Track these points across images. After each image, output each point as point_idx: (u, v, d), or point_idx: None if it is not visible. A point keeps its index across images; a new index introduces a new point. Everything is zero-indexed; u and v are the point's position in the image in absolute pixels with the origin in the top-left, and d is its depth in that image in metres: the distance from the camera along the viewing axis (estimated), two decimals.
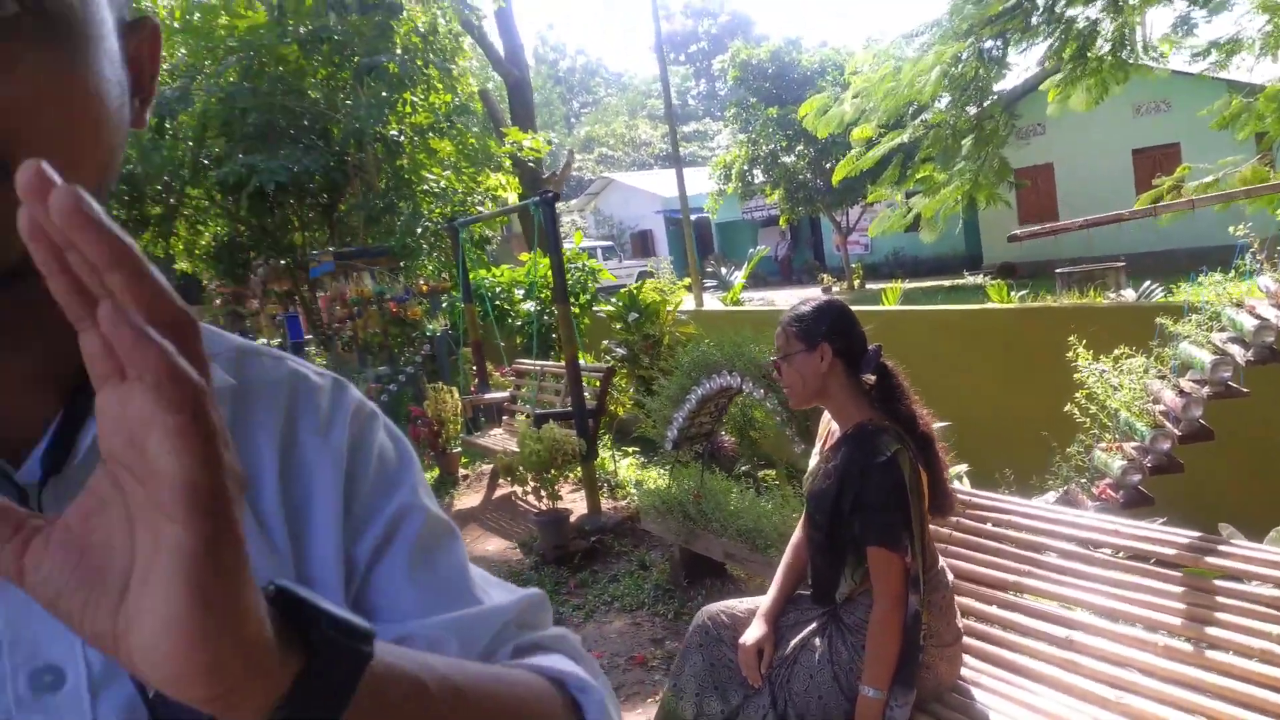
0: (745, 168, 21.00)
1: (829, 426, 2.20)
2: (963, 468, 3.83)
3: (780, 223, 22.29)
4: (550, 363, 6.48)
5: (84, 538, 0.35)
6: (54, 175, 0.29)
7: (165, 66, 11.11)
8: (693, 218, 14.61)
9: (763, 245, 20.98)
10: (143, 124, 0.51)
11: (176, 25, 10.07)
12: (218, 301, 15.91)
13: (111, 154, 0.46)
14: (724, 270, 16.73)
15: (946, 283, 18.86)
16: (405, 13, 10.42)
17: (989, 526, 2.59)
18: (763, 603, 2.23)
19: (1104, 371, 2.72)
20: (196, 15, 9.90)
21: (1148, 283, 8.53)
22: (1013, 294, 9.41)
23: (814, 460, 2.23)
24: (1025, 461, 3.60)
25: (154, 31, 0.52)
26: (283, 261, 14.13)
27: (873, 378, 2.08)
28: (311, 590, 0.43)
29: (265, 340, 14.73)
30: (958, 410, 4.68)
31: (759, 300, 17.22)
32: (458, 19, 11.46)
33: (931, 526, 2.18)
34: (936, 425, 4.09)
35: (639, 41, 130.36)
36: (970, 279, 18.28)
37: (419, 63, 10.32)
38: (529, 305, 8.29)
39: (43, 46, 0.41)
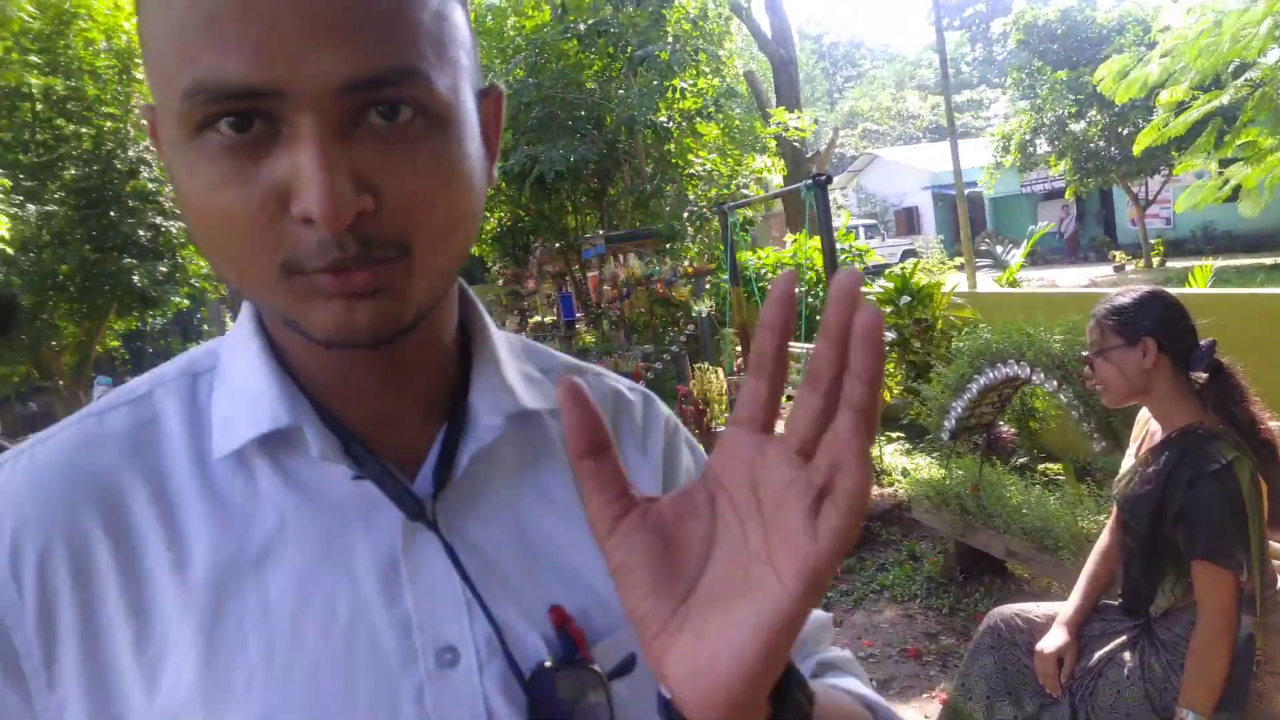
0: (1027, 137, 19.56)
1: (1147, 427, 2.03)
2: None
3: (1066, 195, 20.57)
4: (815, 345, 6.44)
5: (671, 532, 0.40)
6: (859, 290, 0.35)
7: None
8: (965, 193, 13.84)
9: (1044, 221, 19.46)
10: (493, 180, 0.57)
11: (473, 26, 10.97)
12: (500, 282, 17.21)
13: (478, 216, 0.53)
14: (999, 249, 15.75)
15: (1269, 260, 16.58)
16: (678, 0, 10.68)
17: None
18: (1063, 609, 2.11)
19: None
20: (489, 17, 10.69)
21: None
22: None
23: (1128, 462, 2.07)
24: None
25: (499, 96, 0.57)
26: (557, 244, 15.04)
27: (1204, 376, 1.89)
28: None
29: (540, 316, 15.78)
30: None
31: (1039, 281, 16.05)
32: (728, 2, 11.56)
33: (1274, 543, 1.96)
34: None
35: (910, 8, 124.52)
36: None
37: (689, 49, 10.55)
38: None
39: (431, 142, 0.47)
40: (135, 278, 12.32)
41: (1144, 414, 2.05)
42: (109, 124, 12.34)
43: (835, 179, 36.64)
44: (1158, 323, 1.89)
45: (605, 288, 13.13)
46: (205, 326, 22.48)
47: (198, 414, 0.56)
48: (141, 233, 12.85)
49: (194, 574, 0.52)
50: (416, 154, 0.47)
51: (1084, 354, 2.03)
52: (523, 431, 0.62)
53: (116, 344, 15.76)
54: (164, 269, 13.19)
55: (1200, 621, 1.76)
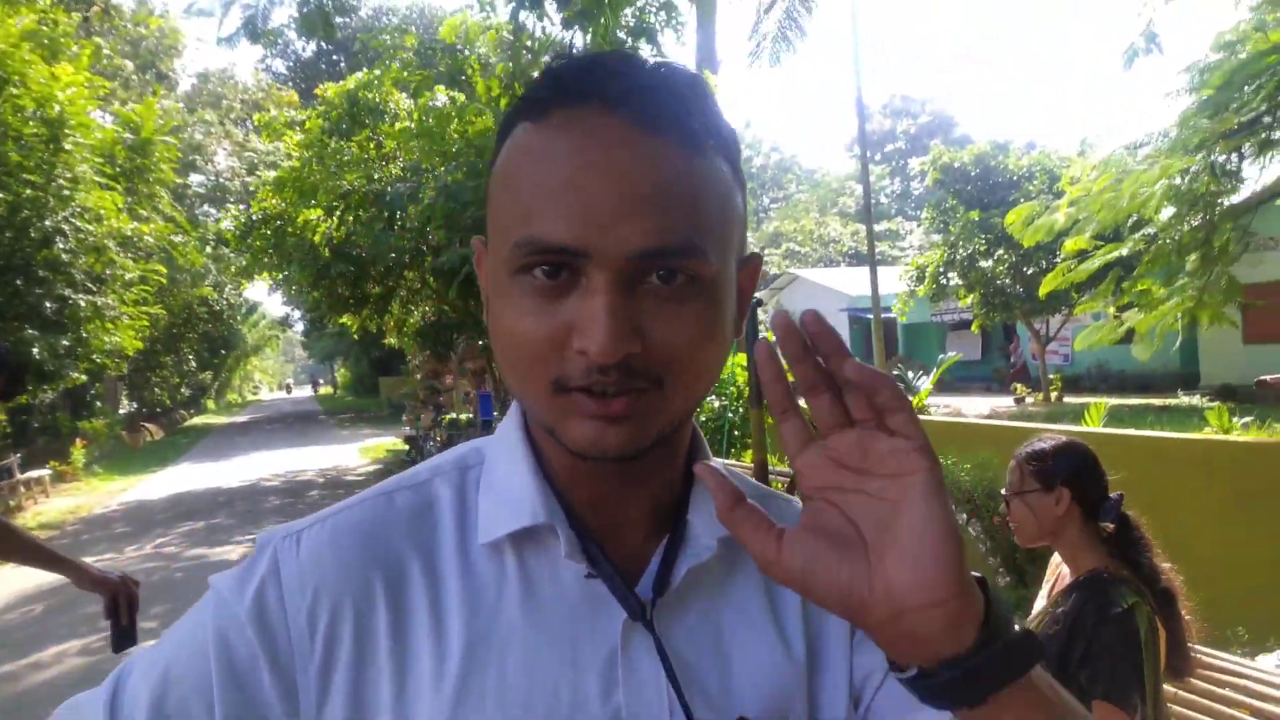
0: (940, 270, 20.56)
1: (1059, 570, 2.12)
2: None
3: (973, 328, 21.55)
4: (735, 463, 6.52)
5: (820, 528, 0.51)
6: (789, 320, 0.50)
7: (400, 164, 12.28)
8: (880, 318, 14.38)
9: (952, 350, 20.27)
10: (741, 329, 0.66)
11: (414, 128, 11.12)
12: (419, 376, 17.07)
13: (723, 363, 0.62)
14: (910, 374, 16.31)
15: (1157, 401, 17.53)
16: None
17: (1219, 690, 2.40)
18: None
19: None
20: (431, 119, 10.90)
21: None
22: (1236, 420, 8.65)
23: (1040, 603, 2.16)
24: (1257, 617, 3.29)
25: (757, 264, 0.67)
26: (480, 342, 15.02)
27: (1111, 526, 2.00)
28: (820, 705, 0.68)
29: (455, 414, 15.63)
30: (1175, 552, 4.34)
31: (945, 408, 16.61)
32: None
33: (1165, 686, 2.04)
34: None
35: (835, 140, 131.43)
36: (1185, 399, 16.93)
37: None
38: (714, 401, 8.40)
39: (697, 304, 0.57)
40: (35, 350, 11.82)
41: (1056, 557, 2.15)
42: (28, 191, 12.03)
43: (759, 294, 37.75)
44: (1073, 473, 2.00)
45: None
46: (99, 403, 21.54)
47: (464, 503, 0.66)
48: (48, 304, 12.41)
49: (450, 645, 0.61)
50: (683, 312, 0.57)
51: (1003, 492, 2.12)
52: (728, 552, 0.69)
53: (1, 417, 14.96)
54: (66, 343, 12.71)
55: None
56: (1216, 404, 12.83)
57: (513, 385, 0.60)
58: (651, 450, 0.60)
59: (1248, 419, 9.27)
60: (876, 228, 48.50)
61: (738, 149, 0.62)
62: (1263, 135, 6.93)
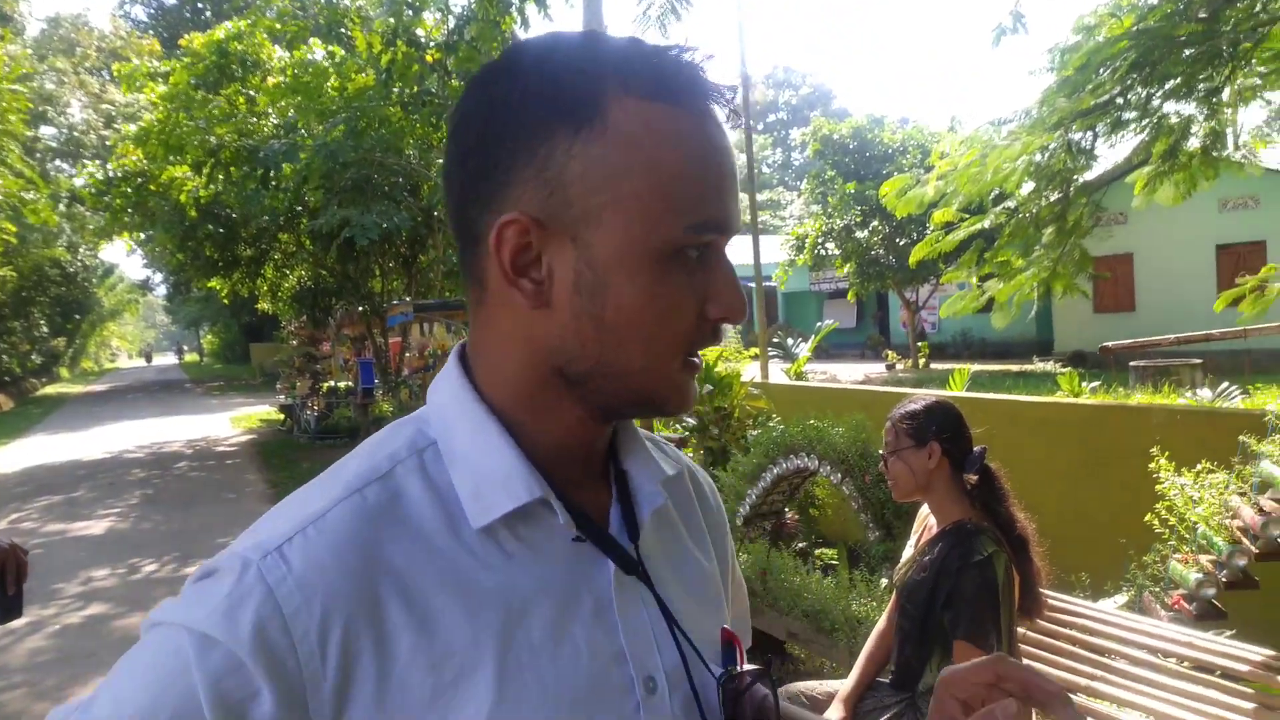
0: (819, 240, 21.16)
1: (926, 521, 2.28)
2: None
3: (849, 296, 22.31)
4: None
5: None
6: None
7: (274, 121, 11.75)
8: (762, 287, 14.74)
9: (829, 319, 20.98)
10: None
11: (289, 84, 10.66)
12: (294, 342, 16.49)
13: None
14: (790, 341, 16.82)
15: (1015, 368, 18.63)
16: None
17: (1063, 630, 2.64)
18: (842, 687, 2.31)
19: (1185, 485, 2.76)
20: (308, 75, 10.47)
21: (1225, 384, 8.38)
22: (1084, 385, 9.30)
23: (908, 551, 2.32)
24: (1098, 564, 3.60)
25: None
26: (360, 308, 14.62)
27: (974, 478, 2.17)
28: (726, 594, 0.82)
29: (334, 382, 15.21)
30: (1029, 506, 4.68)
31: (822, 374, 17.19)
32: None
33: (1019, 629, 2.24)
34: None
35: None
36: (1040, 365, 18.03)
37: None
38: None
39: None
40: None
41: (924, 509, 2.31)
42: None
43: None
44: (942, 429, 2.16)
45: (409, 355, 12.86)
46: None
47: (435, 487, 0.64)
48: None
49: (483, 622, 0.61)
50: (720, 271, 0.65)
51: (880, 452, 2.27)
52: (668, 491, 0.76)
53: None
54: None
55: None
56: (1068, 369, 13.74)
57: (626, 361, 0.63)
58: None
59: (1095, 383, 9.97)
60: (759, 197, 49.37)
61: None
62: (1114, 115, 7.39)
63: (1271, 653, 2.15)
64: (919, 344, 21.12)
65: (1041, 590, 2.20)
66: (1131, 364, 13.03)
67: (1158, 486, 2.86)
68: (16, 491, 10.80)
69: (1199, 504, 2.67)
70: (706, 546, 0.80)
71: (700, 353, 0.64)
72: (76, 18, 30.09)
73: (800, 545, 5.22)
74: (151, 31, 28.31)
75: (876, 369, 20.66)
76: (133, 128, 13.28)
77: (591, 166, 0.60)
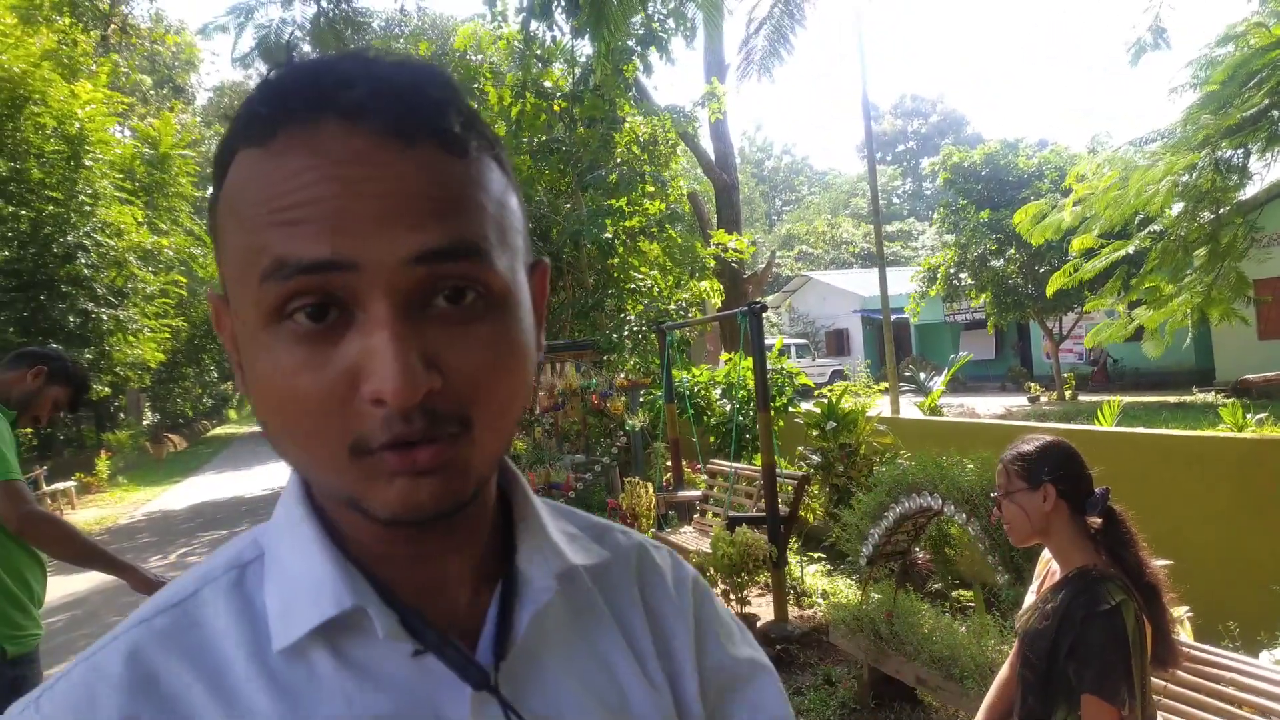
0: (951, 270, 20.56)
1: (1049, 565, 2.19)
2: (1184, 610, 3.60)
3: (987, 327, 21.51)
4: (745, 465, 6.61)
5: None
6: None
7: None
8: (891, 319, 14.43)
9: (965, 351, 20.25)
10: (541, 345, 0.59)
11: None
12: None
13: (530, 386, 0.55)
14: (922, 375, 16.34)
15: (1172, 399, 17.47)
16: (626, 125, 11.19)
17: (1210, 684, 2.47)
18: None
19: None
20: None
21: None
22: (1249, 417, 8.66)
23: (1030, 597, 2.23)
24: (1252, 611, 3.35)
25: (545, 269, 0.61)
26: None
27: (1098, 520, 2.08)
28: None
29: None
30: (1179, 548, 4.39)
31: (958, 408, 16.59)
32: (675, 130, 12.15)
33: (1151, 679, 2.11)
34: (1159, 563, 3.89)
35: (846, 141, 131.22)
36: (1200, 396, 16.86)
37: (637, 170, 11.02)
38: (725, 404, 8.48)
39: (491, 321, 0.51)
40: None
41: (1046, 553, 2.22)
42: (50, 207, 12.27)
43: (771, 298, 37.79)
44: (1057, 469, 2.08)
45: (540, 395, 13.20)
46: (123, 415, 21.85)
47: (248, 606, 0.55)
48: (71, 318, 12.65)
49: None
50: (479, 333, 0.50)
51: (992, 495, 2.19)
52: (571, 591, 0.64)
53: (29, 430, 15.24)
54: (89, 356, 12.94)
55: None
56: (1231, 400, 12.78)
57: (290, 457, 0.51)
58: (472, 501, 0.53)
59: (1261, 415, 9.27)
60: (889, 229, 48.46)
61: (503, 148, 0.56)
62: (1267, 130, 6.95)
63: None
64: (1064, 375, 20.11)
65: (1177, 639, 2.07)
66: None
67: None
68: (184, 527, 11.66)
69: None
70: (644, 651, 0.66)
71: (406, 440, 0.48)
72: (237, 85, 32.72)
73: (936, 586, 5.06)
74: None
75: (1018, 402, 19.79)
76: None
77: (217, 232, 0.52)
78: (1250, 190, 8.67)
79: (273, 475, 17.03)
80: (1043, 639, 2.02)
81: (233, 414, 48.33)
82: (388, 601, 0.54)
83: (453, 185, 0.49)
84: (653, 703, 0.63)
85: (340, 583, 0.53)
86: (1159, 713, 2.19)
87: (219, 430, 38.40)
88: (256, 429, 38.12)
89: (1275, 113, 6.75)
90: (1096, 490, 2.11)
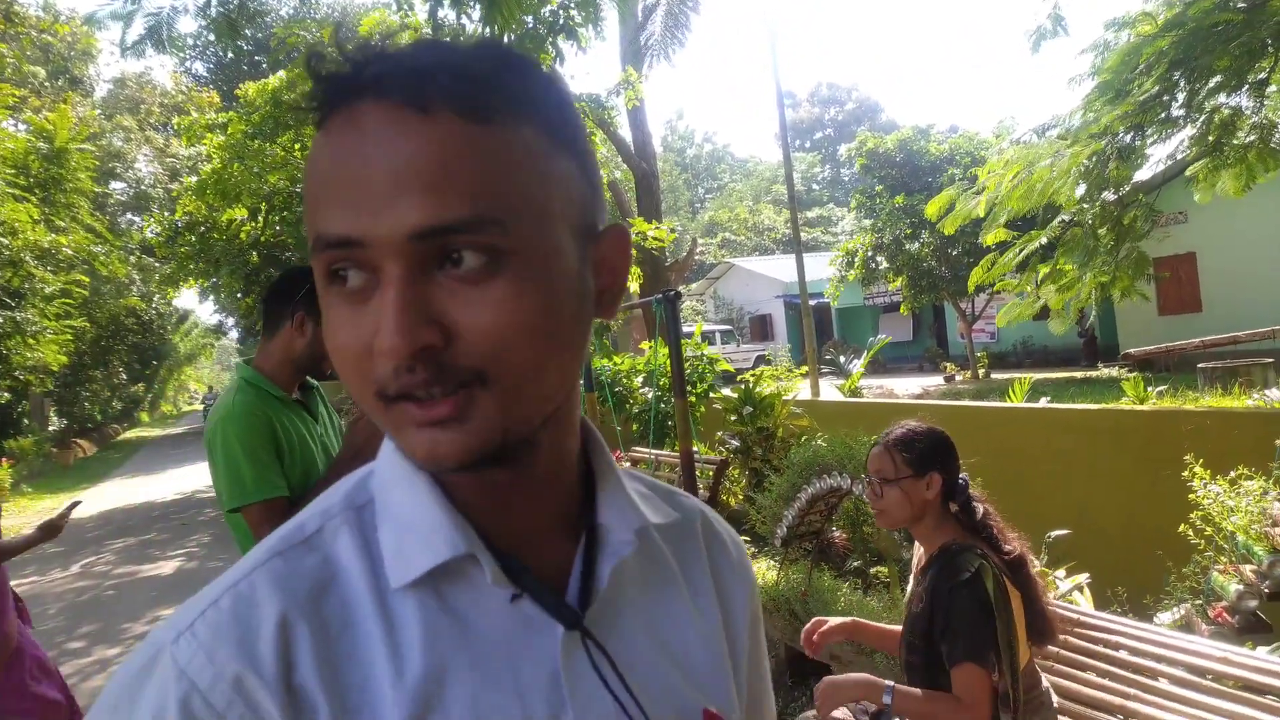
0: (869, 254, 20.97)
1: (919, 552, 2.25)
2: (1084, 577, 3.74)
3: (902, 310, 22.02)
4: (665, 452, 6.63)
5: None
6: None
7: None
8: (813, 303, 14.65)
9: (883, 333, 20.71)
10: (613, 314, 0.62)
11: None
12: None
13: (570, 345, 0.57)
14: (843, 358, 16.68)
15: (1079, 374, 18.14)
16: None
17: (1099, 648, 2.57)
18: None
19: (1219, 493, 2.67)
20: None
21: None
22: (1150, 389, 9.03)
23: (910, 584, 2.28)
24: (1145, 576, 3.50)
25: (619, 234, 0.62)
26: None
27: (959, 505, 2.13)
28: (741, 694, 0.71)
29: None
30: (1083, 517, 4.56)
31: (878, 389, 16.96)
32: (592, 117, 12.07)
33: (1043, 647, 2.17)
34: (1057, 533, 4.03)
35: (766, 129, 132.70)
36: (1105, 371, 17.55)
37: None
38: (647, 392, 8.51)
39: (507, 281, 0.52)
40: None
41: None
42: None
43: (695, 285, 38.01)
44: (943, 459, 2.13)
45: None
46: (26, 420, 20.89)
47: (367, 546, 0.60)
48: None
49: (396, 696, 0.55)
50: (493, 293, 0.52)
51: (873, 479, 2.18)
52: (645, 548, 0.68)
53: None
54: None
55: (954, 710, 1.92)
56: (1134, 375, 13.33)
57: (357, 402, 0.56)
58: (507, 455, 0.55)
59: (1162, 388, 9.67)
60: (809, 214, 49.15)
61: (563, 114, 0.58)
62: (1161, 113, 7.23)
63: None
64: (978, 355, 20.72)
65: (1051, 611, 2.14)
66: (1199, 365, 12.61)
67: (1190, 495, 2.77)
68: (92, 536, 11.20)
69: (1235, 512, 2.58)
70: (709, 606, 0.71)
71: (425, 393, 0.52)
72: (140, 76, 31.40)
73: (855, 564, 5.16)
74: (211, 85, 29.47)
75: (935, 382, 20.32)
76: (194, 179, 13.80)
77: None
78: (1146, 173, 9.03)
79: (185, 479, 16.49)
80: (921, 621, 2.06)
81: (144, 416, 46.63)
82: (491, 549, 0.59)
83: (468, 155, 0.51)
84: (718, 665, 0.68)
85: (454, 530, 0.58)
86: (1045, 676, 2.26)
87: (130, 434, 36.99)
88: (169, 431, 36.86)
89: (1165, 97, 7.04)
90: (961, 477, 2.17)
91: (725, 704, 0.67)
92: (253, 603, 0.56)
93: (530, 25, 9.94)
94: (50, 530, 3.24)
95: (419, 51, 0.53)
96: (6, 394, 13.93)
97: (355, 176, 0.51)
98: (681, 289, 32.99)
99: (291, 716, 0.53)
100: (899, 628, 2.37)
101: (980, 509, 2.14)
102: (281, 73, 13.07)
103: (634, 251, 13.27)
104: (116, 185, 27.07)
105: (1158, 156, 8.24)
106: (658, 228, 12.68)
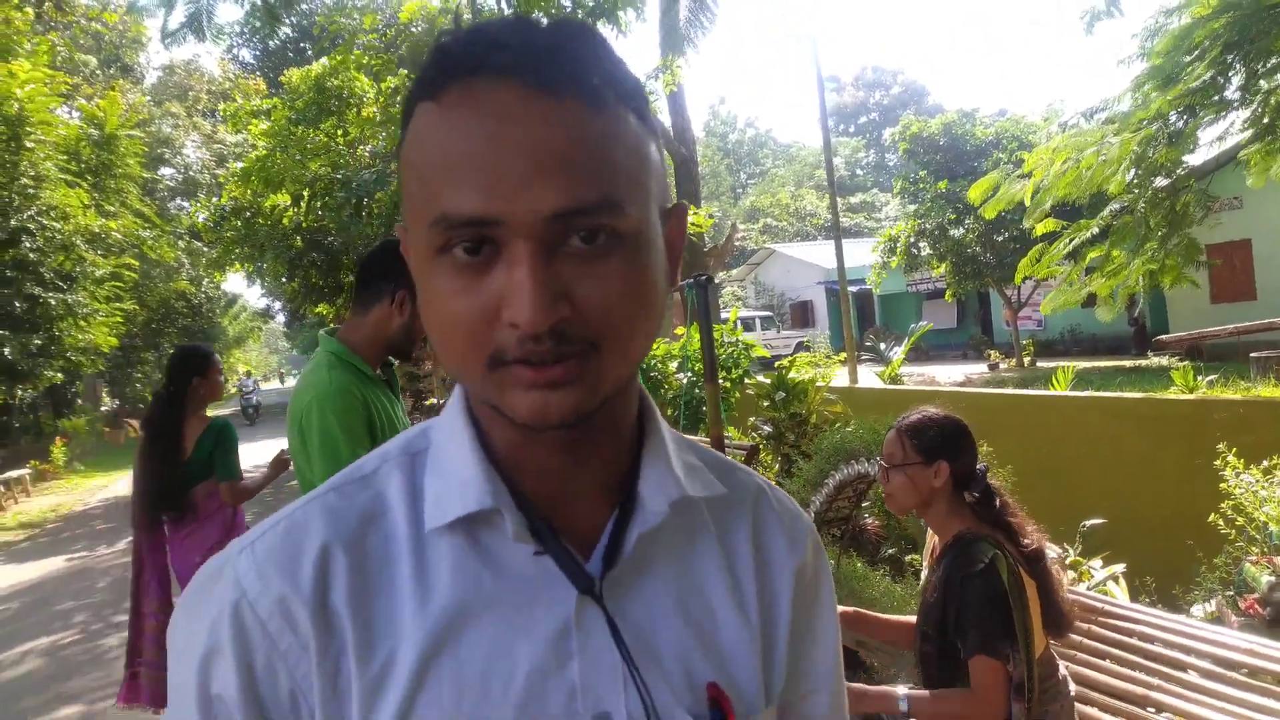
0: (912, 240, 20.68)
1: (932, 540, 2.22)
2: (1119, 567, 3.68)
3: (947, 296, 21.71)
4: (698, 437, 6.62)
5: None
6: None
7: (366, 150, 12.23)
8: (855, 290, 14.50)
9: (926, 320, 20.42)
10: (675, 282, 0.66)
11: (378, 114, 11.08)
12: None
13: (660, 315, 0.61)
14: (883, 345, 16.48)
15: (1127, 363, 17.76)
16: None
17: (1124, 638, 2.52)
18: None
19: (1253, 483, 2.61)
20: (395, 104, 10.87)
21: None
22: (1200, 379, 8.81)
23: (924, 572, 2.26)
24: (1180, 566, 3.42)
25: (682, 212, 0.67)
26: None
27: (975, 495, 2.10)
28: (773, 675, 0.71)
29: (437, 399, 15.67)
30: (1119, 506, 4.48)
31: (919, 377, 16.75)
32: None
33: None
34: (1092, 521, 3.96)
35: (809, 114, 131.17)
36: (1155, 360, 17.15)
37: None
38: (681, 377, 8.50)
39: (621, 259, 0.57)
40: (6, 350, 11.79)
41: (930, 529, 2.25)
42: None
43: (736, 271, 37.80)
44: (953, 448, 2.10)
45: None
46: (79, 400, 21.51)
47: (414, 489, 0.66)
48: (17, 304, 12.37)
49: (404, 633, 0.61)
50: (609, 269, 0.56)
51: (881, 463, 2.18)
52: (684, 518, 0.69)
53: None
54: (38, 341, 12.68)
55: (967, 705, 1.91)
56: (1184, 363, 13.00)
57: (450, 366, 0.60)
58: (597, 414, 0.59)
59: (1212, 377, 9.44)
60: (853, 200, 48.60)
61: (644, 99, 0.61)
62: (1214, 96, 7.02)
63: None
64: (1024, 342, 20.38)
65: (1067, 603, 2.11)
66: (1252, 355, 12.28)
67: (1221, 485, 2.70)
68: None
69: (1268, 502, 2.52)
70: (745, 585, 0.71)
71: (539, 359, 0.55)
72: (188, 63, 31.92)
73: (890, 552, 5.12)
74: (258, 72, 29.88)
75: (979, 370, 20.03)
76: (239, 165, 14.02)
77: (401, 175, 0.61)
78: (1199, 159, 8.77)
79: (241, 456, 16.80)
80: (934, 610, 2.04)
81: None
82: (521, 506, 0.63)
83: (593, 139, 0.55)
84: (743, 637, 0.69)
85: (485, 484, 0.62)
86: (1063, 664, 2.23)
87: None
88: (218, 412, 37.25)
89: (1220, 80, 6.83)
90: (978, 466, 2.14)
91: (746, 676, 0.68)
92: (305, 530, 0.63)
93: (569, 8, 9.95)
94: (280, 465, 3.91)
95: (521, 32, 0.56)
96: (60, 375, 14.30)
97: (490, 157, 0.53)
98: (722, 275, 32.82)
99: (322, 634, 0.60)
100: (903, 618, 2.35)
101: (998, 500, 2.11)
102: (325, 59, 13.21)
103: None
104: (165, 171, 27.61)
105: (1209, 139, 7.99)
106: (696, 213, 12.64)
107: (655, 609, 0.66)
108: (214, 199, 17.56)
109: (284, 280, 17.54)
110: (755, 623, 0.70)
